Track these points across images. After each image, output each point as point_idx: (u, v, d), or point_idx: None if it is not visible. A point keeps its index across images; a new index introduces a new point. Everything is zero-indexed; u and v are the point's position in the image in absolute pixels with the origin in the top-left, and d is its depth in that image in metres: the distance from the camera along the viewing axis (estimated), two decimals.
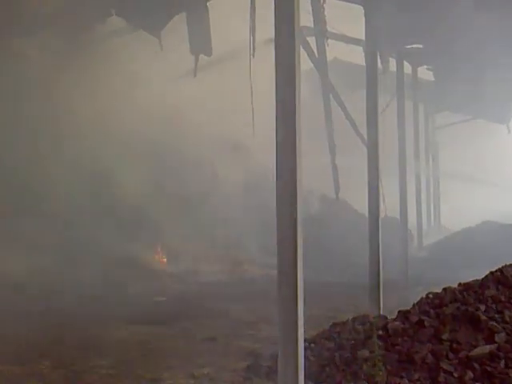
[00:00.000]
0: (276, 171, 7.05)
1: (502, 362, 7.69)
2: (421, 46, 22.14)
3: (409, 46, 21.91)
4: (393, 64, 22.23)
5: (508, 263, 9.97)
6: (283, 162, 7.00)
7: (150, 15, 19.83)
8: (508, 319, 8.33)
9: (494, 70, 23.81)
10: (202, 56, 20.73)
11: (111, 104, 19.52)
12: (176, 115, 21.29)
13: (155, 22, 20.24)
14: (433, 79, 28.53)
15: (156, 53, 20.63)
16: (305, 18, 20.35)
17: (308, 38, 20.08)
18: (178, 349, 10.94)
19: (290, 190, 6.97)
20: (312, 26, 21.10)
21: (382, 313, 12.40)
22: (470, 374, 7.64)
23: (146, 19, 19.85)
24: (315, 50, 20.49)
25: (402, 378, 7.92)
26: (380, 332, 9.13)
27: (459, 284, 9.75)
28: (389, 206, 21.35)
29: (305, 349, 7.62)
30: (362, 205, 14.86)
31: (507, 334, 8.08)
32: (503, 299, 8.72)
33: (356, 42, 22.35)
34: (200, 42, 20.00)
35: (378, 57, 18.19)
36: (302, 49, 17.60)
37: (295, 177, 6.95)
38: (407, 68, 23.89)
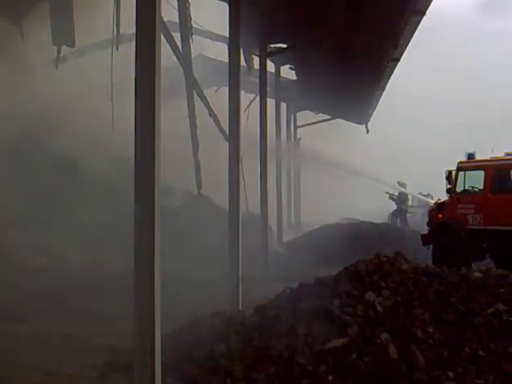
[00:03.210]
0: (135, 164, 6.99)
1: (354, 355, 7.93)
2: (284, 45, 22.48)
3: (272, 45, 22.19)
4: (256, 62, 22.46)
5: (362, 259, 10.32)
6: (141, 156, 6.95)
7: (11, 2, 19.14)
8: (360, 313, 8.61)
9: (356, 74, 24.51)
10: (64, 47, 20.26)
11: None
12: (35, 107, 20.65)
13: (16, 9, 19.58)
14: (295, 78, 29.08)
15: (16, 42, 19.97)
16: (170, 13, 20.24)
17: (173, 33, 19.95)
18: (35, 347, 10.61)
19: (147, 184, 6.92)
20: (177, 21, 21.00)
21: (241, 308, 12.52)
22: (324, 367, 7.85)
23: (7, 6, 19.13)
24: (180, 45, 20.38)
25: (258, 372, 8.03)
26: (238, 327, 9.23)
27: (315, 279, 10.00)
28: (251, 201, 21.57)
29: (162, 344, 7.60)
30: (224, 200, 14.90)
31: (359, 327, 8.35)
32: (356, 294, 9.00)
33: (221, 38, 22.43)
34: (63, 33, 19.49)
35: (242, 54, 18.38)
36: (166, 43, 17.57)
37: (153, 171, 6.90)
38: (270, 67, 24.18)
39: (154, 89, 6.88)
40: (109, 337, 11.01)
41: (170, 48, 18.62)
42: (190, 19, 20.90)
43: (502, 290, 9.15)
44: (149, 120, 6.90)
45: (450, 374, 7.50)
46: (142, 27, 7.02)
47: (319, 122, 37.00)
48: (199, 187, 23.22)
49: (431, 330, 8.21)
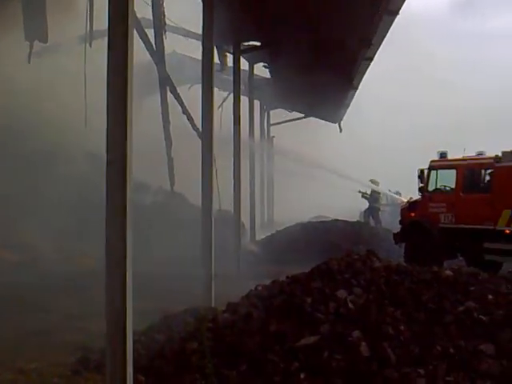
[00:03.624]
0: (106, 159, 6.95)
1: (326, 352, 7.95)
2: (258, 43, 22.47)
3: (246, 43, 22.17)
4: (230, 60, 22.43)
5: (334, 257, 10.35)
6: (113, 152, 6.90)
7: None
8: (332, 311, 8.63)
9: (329, 72, 24.57)
10: (37, 42, 20.05)
11: None
12: (9, 102, 20.47)
13: None
14: (269, 76, 29.08)
15: None
16: (144, 10, 20.16)
17: (146, 30, 19.87)
18: (6, 343, 10.52)
19: (119, 181, 6.88)
20: (151, 17, 20.92)
21: (213, 305, 12.53)
22: (296, 365, 7.86)
23: None
24: (153, 42, 20.31)
25: (230, 369, 8.03)
26: (210, 324, 9.22)
27: (287, 277, 10.01)
28: (224, 199, 21.57)
29: (134, 342, 7.57)
30: (197, 198, 14.89)
31: (331, 324, 8.37)
32: (328, 291, 9.02)
33: (195, 36, 22.36)
34: (35, 29, 19.29)
35: (216, 52, 18.35)
36: (140, 40, 17.49)
37: (125, 168, 6.86)
38: (244, 64, 24.16)
39: (126, 86, 6.84)
40: (83, 334, 10.97)
41: (143, 45, 18.56)
42: (164, 16, 20.83)
43: (472, 288, 9.21)
44: (121, 117, 6.87)
45: (421, 371, 7.54)
46: (114, 23, 6.97)
47: (293, 120, 37.07)
48: (172, 184, 23.19)
49: (402, 327, 8.25)
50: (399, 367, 7.63)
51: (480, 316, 8.43)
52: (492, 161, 17.79)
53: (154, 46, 20.31)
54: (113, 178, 6.92)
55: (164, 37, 21.11)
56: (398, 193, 32.34)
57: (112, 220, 6.93)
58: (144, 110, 20.60)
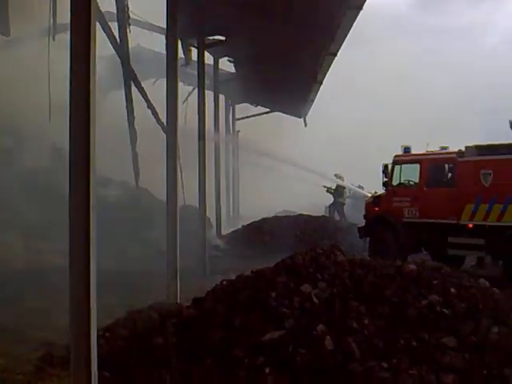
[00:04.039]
0: (70, 156, 6.88)
1: (291, 347, 7.97)
2: (223, 37, 22.40)
3: (211, 37, 22.09)
4: (195, 54, 22.33)
5: (299, 251, 10.38)
6: (77, 148, 6.83)
7: None
8: (297, 305, 8.66)
9: (294, 68, 24.61)
10: None
11: None
12: None
13: None
14: (233, 71, 29.04)
15: None
16: (107, 3, 19.97)
17: (110, 24, 19.68)
18: None
19: (83, 177, 6.81)
20: (114, 11, 20.74)
21: (179, 301, 12.50)
22: (261, 359, 7.87)
23: None
24: (117, 36, 20.13)
25: (195, 364, 8.02)
26: (174, 320, 9.20)
27: (252, 271, 10.02)
28: (190, 194, 21.50)
29: (98, 338, 7.53)
30: (162, 193, 14.82)
31: (296, 319, 8.40)
32: (292, 286, 9.05)
33: (159, 29, 22.23)
34: None
35: (180, 46, 18.26)
36: (103, 34, 17.32)
37: (89, 160, 6.79)
38: (209, 59, 24.10)
39: (88, 79, 6.77)
40: (47, 330, 10.87)
41: (107, 38, 18.39)
42: (128, 9, 20.66)
43: (435, 282, 9.29)
44: (84, 111, 6.80)
45: (385, 364, 7.60)
46: (77, 16, 6.89)
47: (258, 114, 37.04)
48: (137, 179, 23.05)
49: (366, 321, 8.30)
50: (363, 361, 7.68)
51: (443, 309, 8.52)
52: (455, 155, 17.97)
53: (117, 39, 20.12)
54: (76, 173, 6.85)
55: (128, 30, 20.91)
56: (360, 187, 32.52)
57: (75, 216, 6.86)
58: (108, 104, 20.46)
